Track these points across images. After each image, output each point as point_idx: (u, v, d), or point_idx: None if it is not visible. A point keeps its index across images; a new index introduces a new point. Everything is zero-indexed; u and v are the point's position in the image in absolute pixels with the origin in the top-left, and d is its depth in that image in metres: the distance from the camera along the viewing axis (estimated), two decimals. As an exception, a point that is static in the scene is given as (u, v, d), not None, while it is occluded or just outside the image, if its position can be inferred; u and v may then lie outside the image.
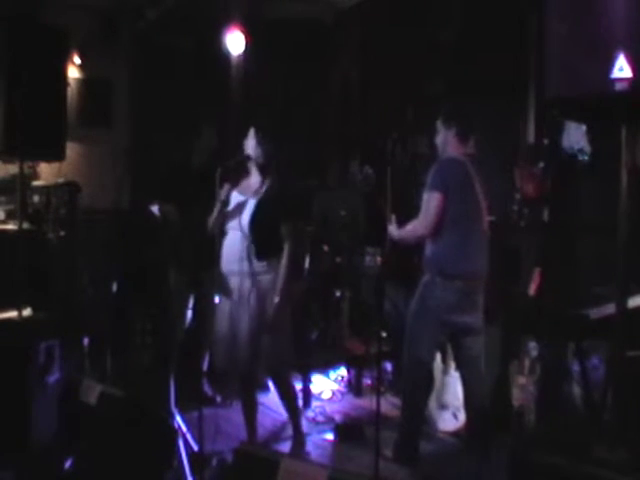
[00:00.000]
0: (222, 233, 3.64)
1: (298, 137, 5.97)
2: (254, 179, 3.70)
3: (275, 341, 3.58)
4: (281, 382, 3.81)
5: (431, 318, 3.66)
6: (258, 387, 4.07)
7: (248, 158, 3.66)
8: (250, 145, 3.66)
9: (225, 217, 3.64)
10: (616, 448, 2.59)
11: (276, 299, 3.54)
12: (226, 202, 3.64)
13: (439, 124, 3.82)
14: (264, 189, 3.65)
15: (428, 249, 3.73)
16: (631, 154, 2.69)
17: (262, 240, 3.56)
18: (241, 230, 3.58)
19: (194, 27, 5.92)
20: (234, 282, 3.60)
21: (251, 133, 3.66)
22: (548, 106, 3.80)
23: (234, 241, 3.60)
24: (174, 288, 4.38)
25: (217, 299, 4.28)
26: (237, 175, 3.68)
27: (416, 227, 3.70)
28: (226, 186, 3.63)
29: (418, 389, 3.80)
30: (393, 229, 3.77)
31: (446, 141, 3.79)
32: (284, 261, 3.58)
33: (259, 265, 3.56)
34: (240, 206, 3.64)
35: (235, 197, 3.69)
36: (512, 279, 4.25)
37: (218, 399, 4.62)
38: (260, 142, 3.64)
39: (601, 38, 2.46)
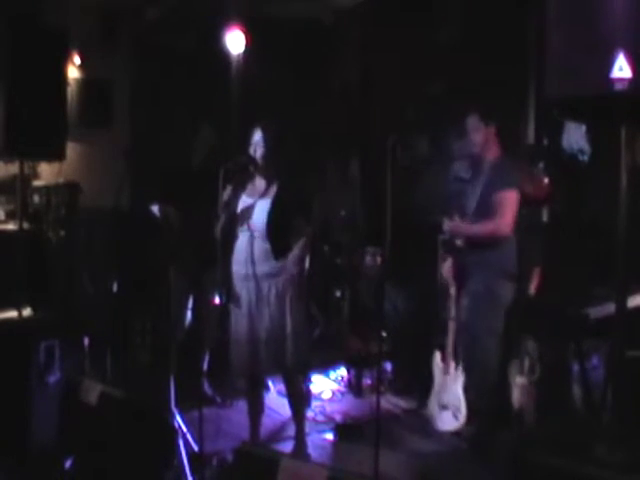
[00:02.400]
0: (230, 236, 3.60)
1: (298, 137, 5.97)
2: (261, 181, 3.65)
3: (297, 341, 3.58)
4: (294, 382, 3.80)
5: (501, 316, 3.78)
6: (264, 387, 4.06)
7: (251, 159, 3.61)
8: (257, 146, 3.59)
9: (232, 220, 3.60)
10: (616, 448, 2.59)
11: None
12: (229, 204, 3.60)
13: (476, 121, 3.85)
14: (275, 190, 3.59)
15: (492, 249, 3.79)
16: (631, 154, 2.69)
17: (278, 241, 3.54)
18: (251, 233, 3.55)
19: (194, 27, 5.91)
20: (248, 285, 3.57)
21: (258, 134, 3.59)
22: (548, 106, 3.80)
23: (245, 244, 3.57)
24: (174, 288, 4.38)
25: (217, 299, 4.28)
26: (240, 177, 3.65)
27: (498, 226, 3.74)
28: (229, 188, 3.61)
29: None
30: (460, 225, 3.86)
31: (488, 139, 3.84)
32: (294, 258, 3.56)
33: (275, 266, 3.55)
34: (248, 209, 3.60)
35: (243, 201, 3.64)
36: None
37: (218, 399, 4.62)
38: (268, 143, 3.57)
39: (601, 38, 2.46)
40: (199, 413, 3.26)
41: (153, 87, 6.06)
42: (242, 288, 3.59)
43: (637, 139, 2.70)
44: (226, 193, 3.59)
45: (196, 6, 5.83)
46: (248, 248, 3.54)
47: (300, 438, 3.83)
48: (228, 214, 3.59)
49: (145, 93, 6.13)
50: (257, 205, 3.58)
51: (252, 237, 3.54)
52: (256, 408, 3.85)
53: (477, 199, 3.85)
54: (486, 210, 3.76)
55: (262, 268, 3.54)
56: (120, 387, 3.31)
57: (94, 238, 5.49)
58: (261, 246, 3.53)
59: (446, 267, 4.06)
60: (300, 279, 3.61)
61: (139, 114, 6.19)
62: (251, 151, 3.60)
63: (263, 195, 3.60)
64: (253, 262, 3.52)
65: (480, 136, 3.84)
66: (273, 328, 3.54)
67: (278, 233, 3.53)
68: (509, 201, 3.72)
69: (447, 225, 3.94)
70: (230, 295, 3.64)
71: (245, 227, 3.57)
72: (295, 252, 3.57)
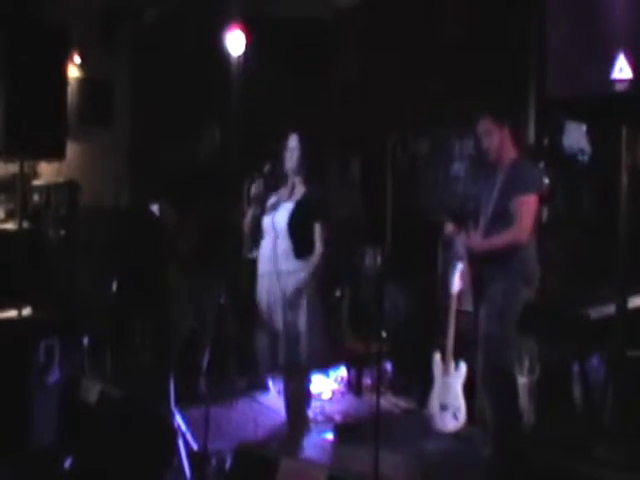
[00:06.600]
0: (257, 234, 3.73)
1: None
2: (295, 184, 3.75)
3: (312, 337, 3.66)
4: (296, 380, 3.85)
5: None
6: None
7: (277, 165, 3.72)
8: (293, 151, 3.70)
9: (257, 219, 3.72)
10: (616, 448, 2.59)
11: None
12: (259, 197, 3.71)
13: (489, 124, 3.59)
14: (302, 192, 3.71)
15: (511, 256, 3.55)
16: (631, 154, 2.70)
17: (300, 240, 3.64)
18: (275, 231, 3.66)
19: (194, 27, 5.91)
20: (269, 281, 3.67)
21: (294, 140, 3.70)
22: (548, 106, 3.80)
23: (269, 243, 3.68)
24: (174, 288, 4.39)
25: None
26: (271, 179, 3.74)
27: (516, 235, 3.51)
28: (259, 182, 3.70)
29: None
30: (477, 240, 3.65)
31: (503, 141, 3.58)
32: (315, 258, 3.64)
33: (295, 264, 3.65)
34: (273, 209, 3.71)
35: (272, 202, 3.75)
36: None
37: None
38: (304, 148, 3.68)
39: (601, 38, 2.46)
40: (202, 412, 3.25)
41: (153, 87, 6.06)
42: (263, 285, 3.70)
43: (637, 139, 2.70)
44: (256, 186, 3.71)
45: (196, 6, 5.84)
46: (271, 246, 3.66)
47: (296, 441, 3.85)
48: (254, 212, 3.73)
49: (145, 93, 6.14)
50: (281, 206, 3.70)
51: (276, 236, 3.65)
52: (295, 397, 3.86)
53: (494, 204, 3.61)
54: (503, 216, 3.54)
55: (283, 266, 3.63)
56: (120, 387, 3.31)
57: (94, 238, 5.49)
58: (283, 245, 3.64)
59: (458, 275, 3.91)
60: (319, 277, 3.70)
61: (139, 114, 6.19)
62: (287, 156, 3.71)
63: (289, 197, 3.73)
64: (275, 260, 3.63)
65: (495, 140, 3.57)
66: (289, 324, 3.63)
67: (299, 234, 3.64)
68: (528, 207, 3.50)
69: (462, 239, 3.74)
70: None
71: (269, 227, 3.68)
72: (319, 251, 3.65)
